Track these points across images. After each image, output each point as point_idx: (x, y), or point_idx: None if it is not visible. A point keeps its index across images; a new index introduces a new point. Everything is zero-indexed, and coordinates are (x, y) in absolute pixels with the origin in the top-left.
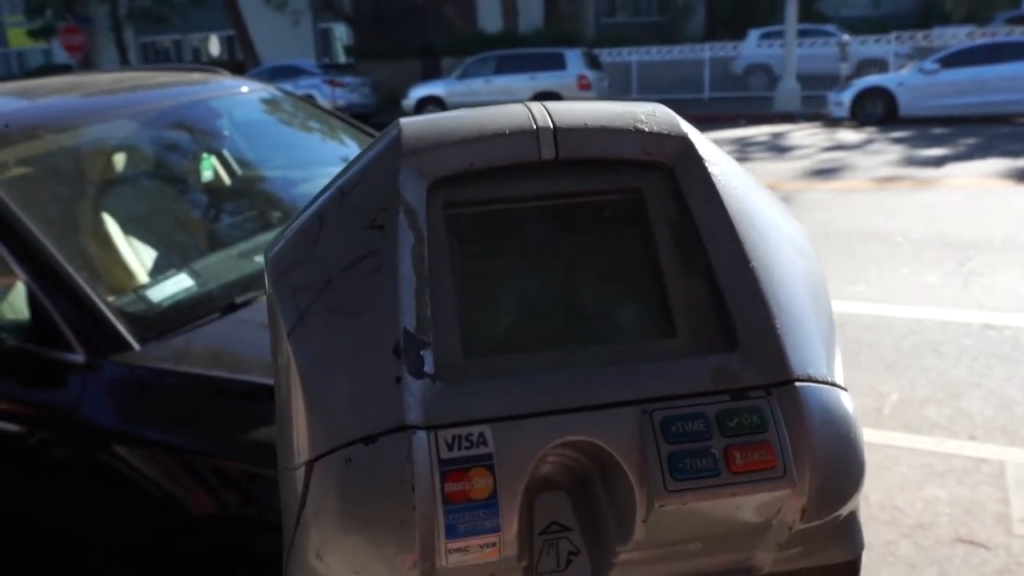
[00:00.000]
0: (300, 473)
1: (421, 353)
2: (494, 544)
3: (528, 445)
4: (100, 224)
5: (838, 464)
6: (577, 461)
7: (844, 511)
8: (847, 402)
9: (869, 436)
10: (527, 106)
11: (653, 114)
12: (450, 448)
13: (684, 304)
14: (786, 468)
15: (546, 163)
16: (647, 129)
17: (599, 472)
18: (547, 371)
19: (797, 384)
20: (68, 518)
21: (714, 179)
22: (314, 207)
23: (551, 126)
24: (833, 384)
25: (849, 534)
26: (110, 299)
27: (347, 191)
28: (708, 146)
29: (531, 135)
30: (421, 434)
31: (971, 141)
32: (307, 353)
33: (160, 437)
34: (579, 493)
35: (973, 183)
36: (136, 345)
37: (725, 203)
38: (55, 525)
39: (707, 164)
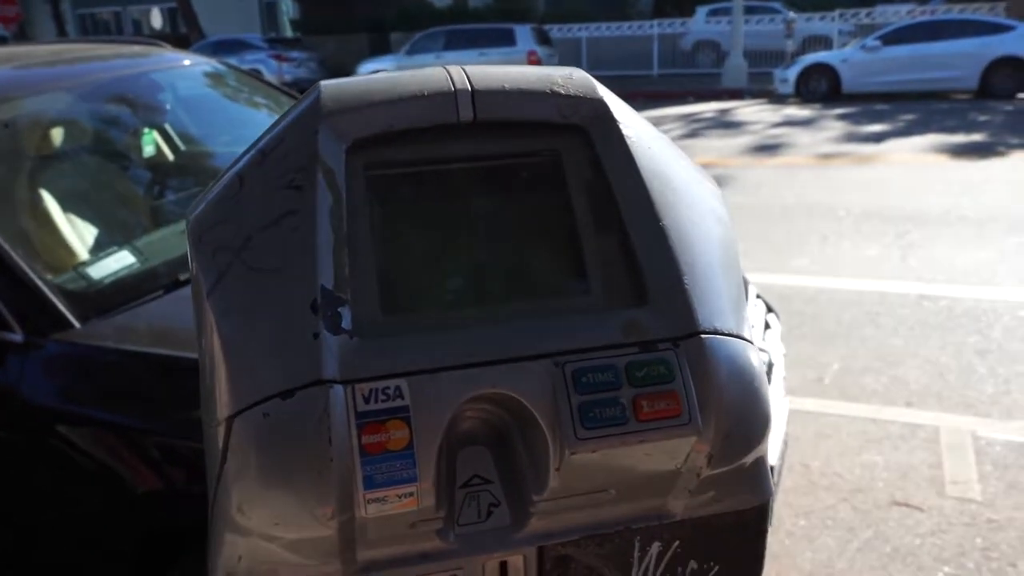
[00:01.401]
0: (221, 429)
1: (339, 310)
2: (411, 494)
3: (443, 397)
4: (38, 200)
5: (743, 412)
6: (496, 415)
7: (750, 458)
8: (752, 354)
9: (810, 405)
10: (446, 69)
11: (570, 78)
12: (367, 401)
13: (598, 262)
14: (691, 416)
15: (464, 125)
16: (564, 92)
17: (517, 425)
18: (463, 326)
19: (703, 336)
20: (10, 500)
21: (628, 141)
22: (235, 168)
23: (469, 88)
24: (739, 336)
25: (758, 480)
26: (49, 277)
27: (267, 152)
28: (624, 109)
29: (449, 97)
30: (338, 388)
31: (910, 117)
32: (227, 311)
33: (103, 416)
34: (499, 447)
35: (912, 158)
36: (77, 323)
37: (639, 164)
38: None
39: (622, 126)
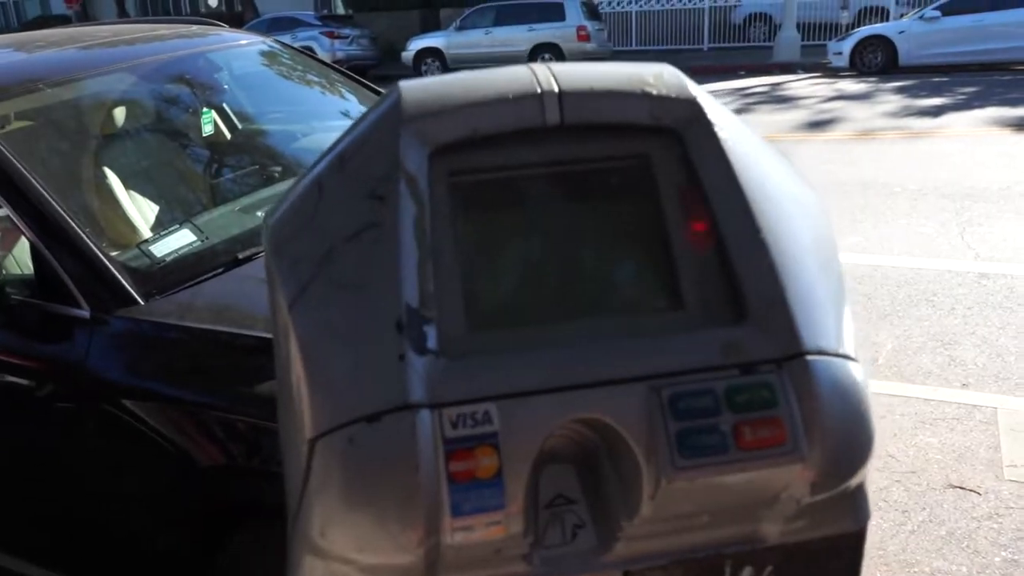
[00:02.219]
0: (303, 449)
1: (424, 329)
2: (499, 522)
3: (534, 423)
4: (102, 179)
5: (848, 438)
6: (583, 435)
7: (852, 483)
8: (858, 374)
9: None
10: (531, 68)
11: (661, 76)
12: (455, 426)
13: (692, 275)
14: (796, 444)
15: (551, 128)
16: (655, 92)
17: (606, 446)
18: (553, 346)
19: (808, 358)
20: (77, 470)
21: (724, 144)
22: (313, 174)
23: (556, 90)
24: (844, 356)
25: (856, 506)
26: (114, 254)
27: (347, 158)
28: (718, 109)
29: (536, 99)
30: (425, 413)
31: (970, 90)
32: (309, 327)
33: (166, 390)
34: (584, 466)
35: (971, 132)
36: (140, 300)
37: (735, 170)
38: (64, 477)
39: (716, 129)
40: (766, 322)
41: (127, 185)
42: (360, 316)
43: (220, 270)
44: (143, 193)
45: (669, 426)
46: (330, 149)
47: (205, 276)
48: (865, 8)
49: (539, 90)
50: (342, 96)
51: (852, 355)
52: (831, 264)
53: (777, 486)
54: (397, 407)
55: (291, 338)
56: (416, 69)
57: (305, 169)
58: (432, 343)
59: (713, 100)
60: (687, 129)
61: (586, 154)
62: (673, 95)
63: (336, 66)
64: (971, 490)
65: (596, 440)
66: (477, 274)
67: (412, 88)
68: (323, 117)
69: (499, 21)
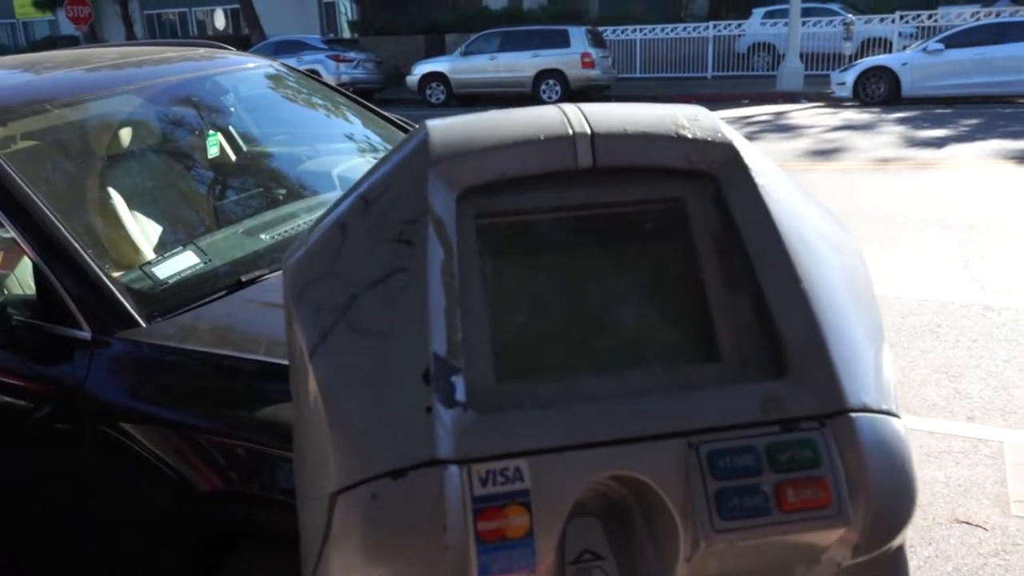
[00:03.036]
0: (323, 503)
1: (452, 380)
2: None
3: (567, 480)
4: (106, 200)
5: (893, 500)
6: (613, 490)
7: (895, 544)
8: (901, 430)
9: None
10: (562, 109)
11: (696, 119)
12: (484, 484)
13: (729, 325)
14: (841, 506)
15: (582, 171)
16: (690, 135)
17: (637, 503)
18: (585, 399)
19: (852, 415)
20: (74, 492)
21: (761, 190)
22: (335, 215)
23: (588, 131)
24: (887, 412)
25: (897, 565)
26: (116, 275)
27: (371, 200)
28: (754, 153)
29: (567, 141)
30: (453, 469)
31: (973, 122)
32: (330, 376)
33: (166, 414)
34: (614, 521)
35: (975, 164)
36: (142, 322)
37: (773, 216)
38: (61, 499)
39: (753, 173)
40: (808, 377)
41: (131, 206)
42: (385, 365)
43: (223, 293)
44: (147, 214)
45: (708, 485)
46: (353, 189)
47: (208, 299)
48: (869, 40)
49: (571, 132)
50: (347, 119)
51: (895, 411)
52: (869, 311)
53: (818, 549)
54: (424, 462)
55: (311, 386)
56: (421, 93)
57: (311, 195)
58: (460, 395)
59: (748, 143)
60: (723, 173)
61: (618, 198)
62: (708, 138)
63: (341, 89)
64: (978, 525)
65: (627, 495)
66: (506, 322)
67: (439, 128)
68: (328, 140)
69: (504, 47)
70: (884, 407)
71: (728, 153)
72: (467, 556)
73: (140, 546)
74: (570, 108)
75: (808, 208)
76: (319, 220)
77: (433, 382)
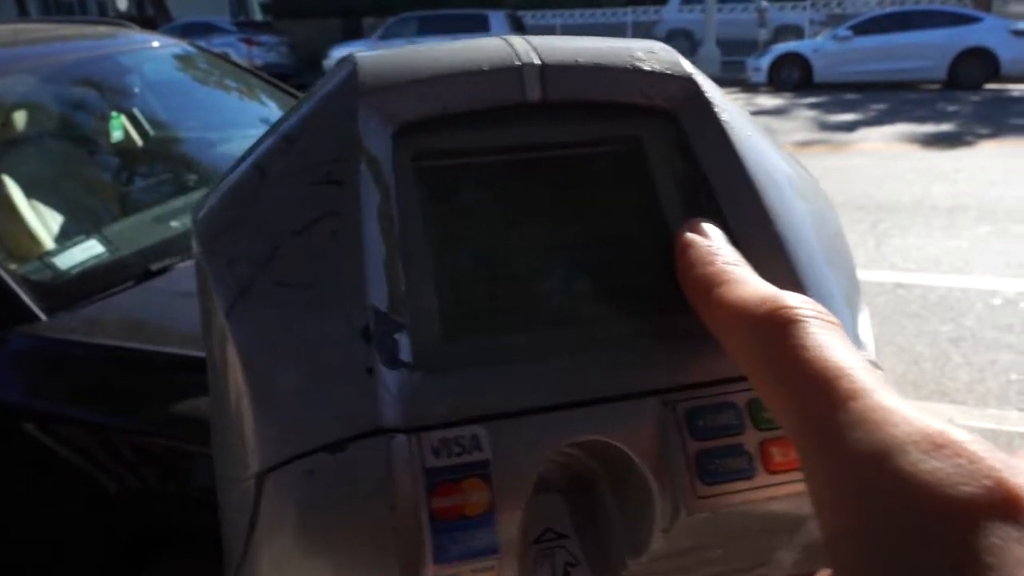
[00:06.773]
0: (247, 487)
1: (396, 336)
2: (492, 567)
3: (531, 448)
4: (0, 187)
5: None
6: (576, 459)
7: None
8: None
9: None
10: (507, 40)
11: (653, 51)
12: (437, 455)
13: None
14: None
15: (530, 106)
16: (647, 67)
17: (606, 473)
18: (545, 355)
19: None
20: None
21: (726, 127)
22: (252, 158)
23: (537, 62)
24: (873, 364)
25: None
26: (12, 267)
27: (293, 138)
28: (716, 90)
29: (514, 72)
30: (401, 438)
31: (881, 107)
32: (252, 338)
33: (72, 412)
34: (578, 495)
35: (883, 147)
36: (43, 315)
37: (740, 156)
38: None
39: (717, 110)
40: None
41: (28, 194)
42: (315, 323)
43: (131, 283)
44: (46, 202)
45: (688, 447)
46: (272, 130)
47: (115, 290)
48: (782, 26)
49: (518, 62)
50: (262, 102)
51: (876, 361)
52: (844, 260)
53: (804, 512)
54: (367, 432)
55: (229, 350)
56: None
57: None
58: (406, 354)
59: (708, 79)
60: (683, 110)
61: (571, 137)
62: (667, 71)
63: (256, 71)
64: None
65: (593, 465)
66: (452, 273)
67: (370, 58)
68: (242, 124)
69: (422, 31)
70: (869, 357)
71: (689, 88)
72: (420, 538)
73: (49, 556)
74: (516, 39)
75: (773, 149)
76: (231, 168)
77: (374, 340)
